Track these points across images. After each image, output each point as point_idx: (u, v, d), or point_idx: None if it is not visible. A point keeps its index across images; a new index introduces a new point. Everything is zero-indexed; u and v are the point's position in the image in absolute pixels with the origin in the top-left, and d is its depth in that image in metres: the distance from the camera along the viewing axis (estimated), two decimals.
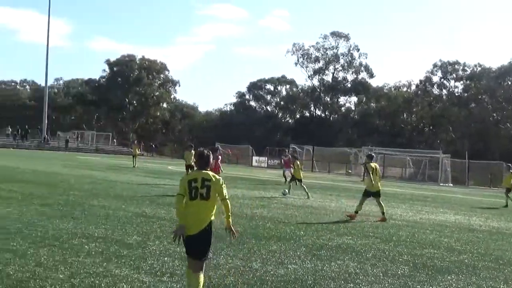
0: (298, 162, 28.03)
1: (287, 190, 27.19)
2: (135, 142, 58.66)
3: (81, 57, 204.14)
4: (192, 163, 30.66)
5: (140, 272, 9.02)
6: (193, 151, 31.11)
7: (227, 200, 7.69)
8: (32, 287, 7.79)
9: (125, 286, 8.13)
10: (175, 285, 8.35)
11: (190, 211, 7.44)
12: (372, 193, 19.08)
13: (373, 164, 19.45)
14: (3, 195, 18.52)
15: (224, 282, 8.77)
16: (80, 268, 8.95)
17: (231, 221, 7.79)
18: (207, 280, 8.80)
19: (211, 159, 7.86)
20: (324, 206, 22.89)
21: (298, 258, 10.99)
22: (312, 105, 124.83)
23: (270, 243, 12.61)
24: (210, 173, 7.64)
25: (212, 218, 7.55)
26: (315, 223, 16.90)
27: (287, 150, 41.12)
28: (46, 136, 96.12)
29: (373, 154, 20.35)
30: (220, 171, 26.67)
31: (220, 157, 34.01)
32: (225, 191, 7.64)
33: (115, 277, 8.58)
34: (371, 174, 19.04)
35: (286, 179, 33.60)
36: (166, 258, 10.10)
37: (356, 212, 18.97)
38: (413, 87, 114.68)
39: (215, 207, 7.57)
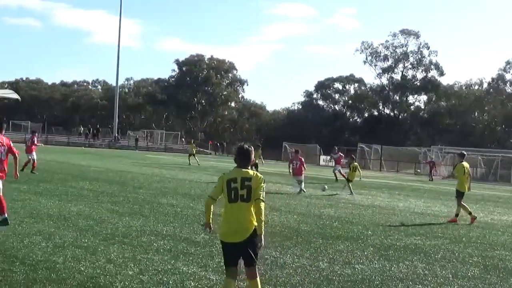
0: (356, 164, 28.00)
1: (326, 186, 27.73)
2: (192, 141, 59.34)
3: (151, 57, 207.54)
4: (257, 162, 30.90)
5: (207, 270, 9.09)
6: (259, 151, 31.30)
7: (262, 202, 6.91)
8: (102, 283, 7.94)
9: (192, 283, 8.20)
10: (241, 284, 8.37)
11: (231, 215, 6.91)
12: (462, 193, 18.58)
13: (464, 164, 18.89)
14: (75, 193, 18.94)
15: (291, 281, 8.76)
16: (149, 265, 9.08)
17: (262, 228, 6.93)
18: (273, 279, 8.82)
19: (253, 156, 7.25)
20: (392, 206, 22.62)
21: (365, 258, 10.90)
22: (380, 104, 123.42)
23: (337, 242, 12.53)
24: (251, 171, 7.07)
25: (254, 224, 6.87)
26: (382, 223, 16.72)
27: (336, 148, 40.58)
28: (117, 135, 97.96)
29: (465, 153, 19.73)
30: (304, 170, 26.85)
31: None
32: (261, 191, 6.93)
33: (183, 274, 8.67)
34: (463, 174, 18.53)
35: (336, 177, 33.19)
36: None
37: (457, 215, 18.55)
38: (485, 85, 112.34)
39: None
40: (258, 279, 7.14)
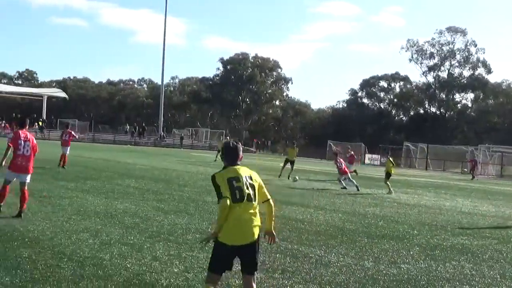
0: (391, 159, 27.64)
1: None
2: (221, 138, 59.98)
3: (196, 56, 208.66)
4: (294, 159, 30.84)
5: None
6: (296, 148, 31.33)
7: (271, 200, 6.81)
8: (148, 280, 8.01)
9: (237, 281, 8.22)
10: (286, 282, 8.38)
11: (236, 216, 6.41)
12: None
13: None
14: (121, 191, 19.14)
15: (336, 280, 8.73)
16: (194, 263, 9.14)
17: (273, 225, 6.91)
18: (318, 277, 8.79)
19: (241, 152, 6.83)
20: (438, 205, 22.36)
21: (411, 258, 10.80)
22: (426, 102, 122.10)
23: (383, 241, 12.45)
24: (247, 168, 6.78)
25: (259, 226, 6.61)
26: (429, 222, 16.54)
27: (350, 147, 39.90)
28: (162, 133, 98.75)
29: None
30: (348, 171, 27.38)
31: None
32: (266, 190, 6.78)
33: (227, 272, 8.68)
34: None
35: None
36: (277, 255, 10.15)
37: None
38: None
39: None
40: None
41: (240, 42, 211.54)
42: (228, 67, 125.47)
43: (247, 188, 6.53)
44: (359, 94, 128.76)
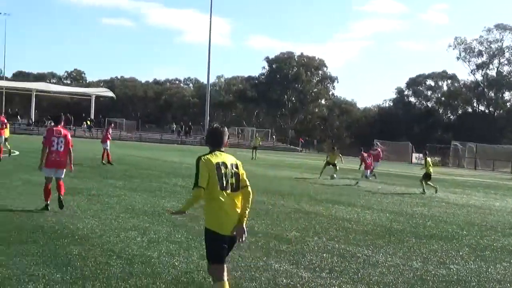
0: (429, 160, 27.16)
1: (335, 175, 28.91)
2: (256, 135, 60.25)
3: (241, 55, 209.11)
4: (336, 162, 30.72)
5: (299, 267, 9.08)
6: (336, 152, 31.31)
7: (249, 188, 6.47)
8: (196, 278, 8.05)
9: (284, 280, 8.21)
10: (334, 282, 8.34)
11: (225, 204, 6.18)
12: None
13: None
14: (169, 189, 19.28)
15: (384, 280, 8.65)
16: (241, 262, 9.14)
17: (246, 216, 6.44)
18: (366, 277, 8.72)
19: (226, 137, 6.59)
20: (488, 205, 22.02)
21: (460, 259, 10.64)
22: (474, 100, 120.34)
23: (431, 242, 12.29)
24: (231, 155, 6.51)
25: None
26: (478, 222, 16.30)
27: (377, 143, 39.02)
28: None
29: None
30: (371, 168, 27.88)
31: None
32: (246, 177, 6.51)
33: (275, 271, 8.69)
34: None
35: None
36: (325, 255, 10.10)
37: None
38: None
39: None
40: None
41: (285, 42, 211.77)
42: (274, 66, 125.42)
43: (232, 176, 6.30)
44: (406, 92, 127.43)
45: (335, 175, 29.37)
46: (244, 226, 6.37)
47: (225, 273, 6.33)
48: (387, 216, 16.31)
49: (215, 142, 6.52)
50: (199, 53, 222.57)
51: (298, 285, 8.08)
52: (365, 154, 29.62)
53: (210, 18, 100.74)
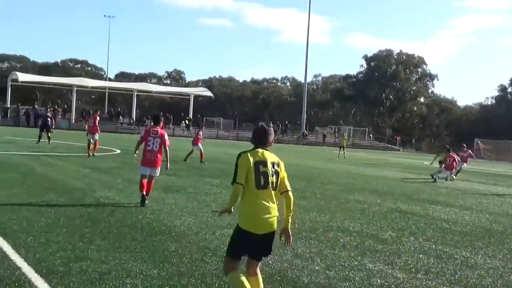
0: None
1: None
2: (344, 134, 59.76)
3: (340, 54, 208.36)
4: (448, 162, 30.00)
5: (394, 268, 8.97)
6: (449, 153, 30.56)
7: (290, 193, 6.33)
8: (290, 276, 8.06)
9: (379, 281, 8.13)
10: (430, 283, 8.19)
11: (261, 203, 6.09)
12: None
13: None
14: None
15: (482, 283, 8.43)
16: (335, 261, 9.11)
17: (290, 222, 6.39)
18: (463, 279, 8.52)
19: (271, 137, 6.53)
20: None
21: None
22: None
23: None
24: (274, 154, 6.40)
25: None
26: None
27: (465, 146, 37.37)
28: (305, 131, 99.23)
29: None
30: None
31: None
32: (287, 181, 6.35)
33: (369, 271, 8.62)
34: None
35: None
36: (421, 255, 9.94)
37: None
38: None
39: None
40: (260, 274, 6.41)
41: (384, 39, 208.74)
42: (372, 64, 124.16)
43: (272, 175, 6.18)
44: (509, 90, 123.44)
45: (444, 175, 29.04)
46: (289, 230, 6.32)
47: (253, 267, 6.33)
48: (487, 217, 15.88)
49: (259, 141, 6.45)
50: (296, 52, 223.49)
51: (392, 285, 7.98)
52: (454, 156, 29.22)
53: (309, 17, 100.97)
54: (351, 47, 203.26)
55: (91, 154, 27.30)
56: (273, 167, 6.23)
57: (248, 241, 6.15)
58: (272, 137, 6.53)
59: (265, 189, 6.11)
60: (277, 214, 6.16)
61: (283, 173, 6.32)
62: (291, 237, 6.36)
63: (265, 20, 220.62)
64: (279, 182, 6.24)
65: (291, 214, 6.36)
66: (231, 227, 11.23)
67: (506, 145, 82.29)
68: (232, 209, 6.39)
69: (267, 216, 6.09)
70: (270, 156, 6.31)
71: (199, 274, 7.80)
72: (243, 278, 6.10)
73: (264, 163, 6.19)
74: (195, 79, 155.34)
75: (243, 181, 6.13)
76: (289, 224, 6.33)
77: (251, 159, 6.19)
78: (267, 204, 6.10)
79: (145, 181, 13.69)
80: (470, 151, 37.03)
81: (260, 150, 6.33)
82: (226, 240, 10.00)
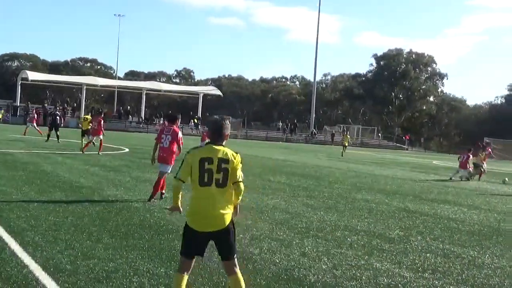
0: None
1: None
2: (346, 133, 59.98)
3: (349, 52, 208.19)
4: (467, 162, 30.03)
5: (401, 267, 8.97)
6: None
7: (241, 184, 6.17)
8: (297, 275, 8.08)
9: (385, 280, 8.13)
10: (437, 282, 8.19)
11: (202, 200, 6.04)
12: None
13: None
14: (273, 187, 19.40)
15: (489, 283, 8.43)
16: (342, 260, 9.12)
17: (238, 211, 6.40)
18: (470, 279, 8.51)
19: (227, 131, 6.30)
20: None
21: None
22: None
23: None
24: (228, 150, 6.14)
25: (231, 211, 6.19)
26: None
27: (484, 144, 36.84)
28: (314, 130, 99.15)
29: None
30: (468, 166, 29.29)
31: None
32: (239, 172, 6.15)
33: (376, 270, 8.62)
34: None
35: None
36: (428, 255, 9.94)
37: None
38: None
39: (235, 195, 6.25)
40: (239, 272, 6.23)
41: (394, 38, 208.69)
42: (381, 63, 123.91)
43: (219, 172, 6.01)
44: None
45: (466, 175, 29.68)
46: (237, 209, 6.36)
47: (227, 267, 6.26)
48: (495, 216, 15.86)
49: (213, 135, 6.27)
50: (306, 51, 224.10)
51: (399, 285, 7.99)
52: (468, 155, 29.59)
53: (319, 16, 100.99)
54: (361, 46, 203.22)
55: (85, 151, 27.80)
56: (221, 164, 6.05)
57: (194, 239, 6.11)
58: (228, 131, 6.32)
59: (209, 187, 6.00)
60: (226, 211, 6.08)
61: (235, 165, 6.11)
62: (238, 213, 6.42)
63: (274, 19, 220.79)
64: (229, 176, 6.08)
65: (238, 202, 6.31)
66: (238, 226, 11.19)
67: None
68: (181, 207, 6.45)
69: (210, 214, 6.01)
70: (220, 152, 6.10)
71: (205, 273, 7.81)
72: (181, 282, 6.11)
73: (210, 160, 6.03)
74: (204, 78, 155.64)
75: (184, 177, 6.12)
76: (235, 212, 6.33)
77: (198, 156, 6.08)
78: (211, 201, 6.00)
79: (161, 179, 14.05)
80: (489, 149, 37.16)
81: (210, 146, 6.16)
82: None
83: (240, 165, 6.18)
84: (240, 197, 6.31)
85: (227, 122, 6.35)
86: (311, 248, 9.84)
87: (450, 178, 28.75)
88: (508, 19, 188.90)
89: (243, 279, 6.26)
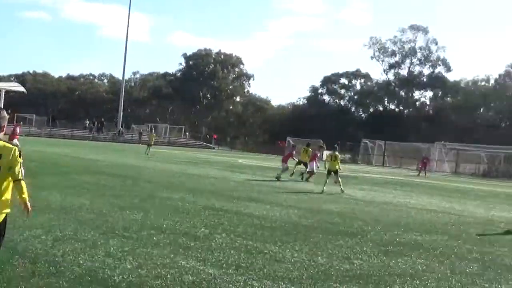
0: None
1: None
2: (153, 131, 60.82)
3: (161, 52, 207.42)
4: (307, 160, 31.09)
5: (206, 264, 9.12)
6: (309, 150, 31.67)
7: (22, 182, 6.10)
8: (101, 276, 7.97)
9: (190, 277, 8.23)
10: (240, 278, 8.41)
11: None
12: None
13: None
14: (77, 186, 18.99)
15: (289, 276, 8.78)
16: (148, 259, 9.11)
17: (27, 197, 6.29)
18: (272, 273, 8.84)
19: (4, 121, 6.02)
20: (392, 201, 22.62)
21: (364, 254, 10.91)
22: (386, 99, 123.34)
23: (337, 238, 12.54)
24: (5, 143, 5.93)
25: (8, 210, 6.16)
26: (383, 219, 16.72)
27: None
28: (121, 128, 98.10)
29: None
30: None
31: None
32: (18, 169, 5.98)
33: (182, 268, 8.70)
34: None
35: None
36: (232, 251, 10.17)
37: None
38: (492, 82, 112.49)
39: (10, 190, 6.20)
40: None
41: (205, 38, 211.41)
42: (191, 62, 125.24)
43: None
44: (320, 91, 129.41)
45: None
46: (27, 202, 6.33)
47: None
48: (296, 212, 16.54)
49: None
50: (117, 49, 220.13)
51: (204, 282, 8.11)
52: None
53: (129, 13, 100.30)
54: (172, 45, 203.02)
55: None
56: None
57: None
58: (4, 121, 6.01)
59: None
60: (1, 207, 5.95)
61: (10, 163, 5.90)
62: (29, 209, 6.32)
63: (84, 15, 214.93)
64: (2, 170, 5.87)
65: (26, 197, 6.20)
66: (41, 227, 10.98)
67: (315, 143, 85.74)
68: None
69: None
70: None
71: (4, 277, 7.49)
72: None
73: None
74: (7, 73, 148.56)
75: None
76: (25, 200, 6.24)
77: None
78: None
79: None
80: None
81: None
82: (35, 241, 9.75)
83: (19, 160, 5.91)
84: (25, 194, 6.14)
85: (3, 113, 6.00)
86: (116, 248, 9.74)
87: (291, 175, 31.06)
88: (312, 24, 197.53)
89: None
